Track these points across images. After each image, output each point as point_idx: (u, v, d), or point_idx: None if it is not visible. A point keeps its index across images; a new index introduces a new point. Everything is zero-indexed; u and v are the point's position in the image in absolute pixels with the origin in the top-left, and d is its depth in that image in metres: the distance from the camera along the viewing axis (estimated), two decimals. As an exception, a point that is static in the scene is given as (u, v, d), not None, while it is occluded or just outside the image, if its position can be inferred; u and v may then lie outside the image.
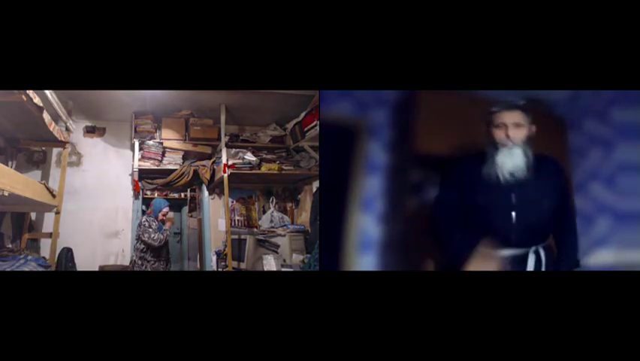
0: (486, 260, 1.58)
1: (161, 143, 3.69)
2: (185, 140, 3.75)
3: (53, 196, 2.99)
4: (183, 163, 3.76)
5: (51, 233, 3.13)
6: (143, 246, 3.02)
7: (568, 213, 1.80)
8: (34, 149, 3.45)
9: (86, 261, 3.40)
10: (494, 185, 1.68)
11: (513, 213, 1.67)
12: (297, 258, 3.00)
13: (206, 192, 3.93)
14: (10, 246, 3.09)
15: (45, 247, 3.34)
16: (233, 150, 3.59)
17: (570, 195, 1.83)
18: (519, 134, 1.66)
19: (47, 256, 3.13)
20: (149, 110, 3.67)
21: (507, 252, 1.67)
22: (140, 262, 3.00)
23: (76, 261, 3.26)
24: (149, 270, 2.97)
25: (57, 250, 3.13)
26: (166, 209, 3.21)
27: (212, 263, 3.79)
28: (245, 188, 4.17)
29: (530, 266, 1.67)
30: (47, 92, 2.68)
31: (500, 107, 1.70)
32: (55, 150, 3.56)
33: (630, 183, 2.75)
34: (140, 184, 3.68)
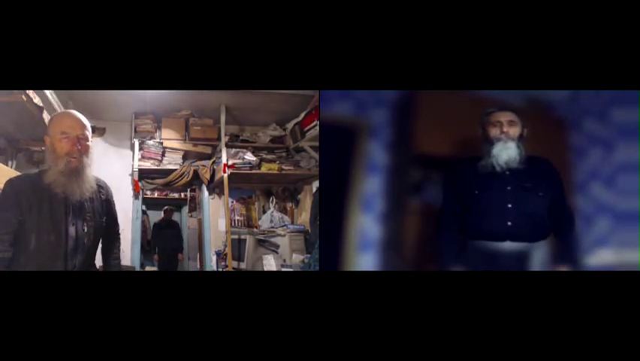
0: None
1: (161, 143, 3.68)
2: (185, 140, 3.75)
3: (53, 196, 2.99)
4: (183, 163, 3.76)
5: (51, 233, 3.12)
6: None
7: (565, 213, 1.81)
8: (34, 149, 3.44)
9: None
10: (492, 179, 1.75)
11: (509, 206, 1.71)
12: (297, 258, 3.00)
13: (206, 192, 3.93)
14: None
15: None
16: (233, 150, 3.58)
17: (565, 196, 1.84)
18: (513, 130, 1.77)
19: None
20: (149, 110, 3.66)
21: (508, 246, 1.70)
22: None
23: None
24: None
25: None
26: None
27: (212, 263, 3.79)
28: (245, 188, 4.17)
29: (536, 260, 1.71)
30: (47, 92, 2.67)
31: (495, 108, 1.84)
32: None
33: (630, 183, 2.75)
34: (140, 184, 3.68)
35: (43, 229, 1.44)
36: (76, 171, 1.49)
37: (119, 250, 1.80)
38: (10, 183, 1.49)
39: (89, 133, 1.54)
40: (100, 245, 1.68)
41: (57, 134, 1.49)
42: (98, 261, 1.70)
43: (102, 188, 1.66)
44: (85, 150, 1.51)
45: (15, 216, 1.43)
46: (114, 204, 1.75)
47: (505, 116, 1.79)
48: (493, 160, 1.74)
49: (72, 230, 1.49)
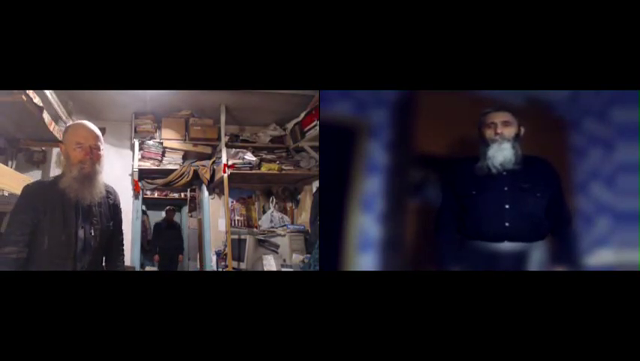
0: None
1: (161, 143, 3.68)
2: (185, 140, 3.75)
3: (53, 196, 2.98)
4: (183, 163, 3.76)
5: (51, 233, 3.12)
6: None
7: (563, 213, 1.81)
8: (34, 149, 3.44)
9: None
10: (489, 180, 1.75)
11: (507, 206, 1.71)
12: (297, 258, 3.00)
13: (206, 192, 3.93)
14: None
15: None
16: (233, 150, 3.58)
17: (563, 195, 1.84)
18: (508, 131, 1.77)
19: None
20: (149, 110, 3.66)
21: (505, 246, 1.70)
22: None
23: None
24: None
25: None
26: None
27: (212, 263, 3.79)
28: (245, 188, 4.17)
29: (534, 260, 1.71)
30: (47, 92, 2.67)
31: (491, 109, 1.83)
32: (55, 150, 3.56)
33: (630, 183, 2.75)
34: (140, 184, 3.68)
35: (56, 231, 1.53)
36: (89, 177, 1.60)
37: (123, 259, 1.84)
38: (27, 188, 1.60)
39: (101, 143, 1.65)
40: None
41: (72, 144, 1.60)
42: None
43: (110, 193, 1.76)
44: (97, 159, 1.62)
45: (31, 219, 1.52)
46: (121, 210, 1.82)
47: (499, 117, 1.79)
48: (489, 162, 1.74)
49: (81, 233, 1.58)
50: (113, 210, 1.75)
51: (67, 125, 1.75)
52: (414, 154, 2.69)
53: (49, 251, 1.52)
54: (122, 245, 1.84)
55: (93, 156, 1.60)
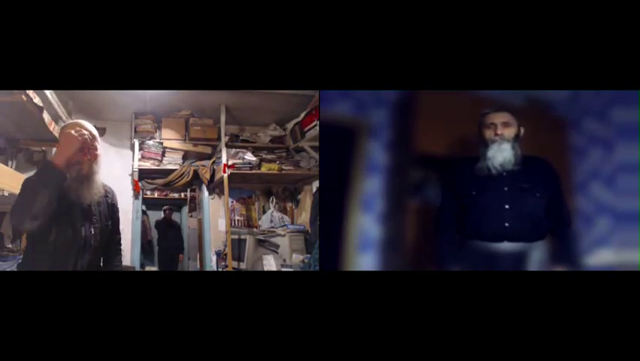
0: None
1: (161, 143, 3.68)
2: (185, 140, 3.75)
3: (53, 196, 2.98)
4: (183, 163, 3.76)
5: (51, 233, 3.11)
6: None
7: (562, 213, 1.81)
8: (34, 149, 3.44)
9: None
10: (489, 180, 1.75)
11: (507, 206, 1.71)
12: (297, 258, 3.00)
13: (206, 192, 3.93)
14: (10, 246, 3.08)
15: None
16: (233, 150, 3.58)
17: (563, 195, 1.84)
18: (507, 132, 1.77)
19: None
20: (149, 110, 3.66)
21: (505, 246, 1.70)
22: None
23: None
24: None
25: (57, 250, 3.12)
26: None
27: (212, 263, 3.79)
28: (245, 188, 4.17)
29: (534, 260, 1.71)
30: (47, 92, 2.67)
31: (490, 109, 1.83)
32: (55, 150, 3.56)
33: (630, 183, 2.75)
34: (140, 184, 3.68)
35: (62, 226, 1.53)
36: (86, 177, 1.59)
37: (120, 259, 1.84)
38: (28, 180, 1.57)
39: (97, 143, 1.64)
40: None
41: None
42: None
43: (108, 193, 1.77)
44: (94, 159, 1.62)
45: (36, 202, 1.45)
46: (118, 210, 1.82)
47: (499, 118, 1.79)
48: (489, 162, 1.75)
49: (82, 231, 1.59)
50: (111, 209, 1.76)
51: (63, 125, 1.74)
52: (414, 154, 2.69)
53: (54, 246, 1.51)
54: (120, 244, 1.85)
55: (90, 156, 1.60)
